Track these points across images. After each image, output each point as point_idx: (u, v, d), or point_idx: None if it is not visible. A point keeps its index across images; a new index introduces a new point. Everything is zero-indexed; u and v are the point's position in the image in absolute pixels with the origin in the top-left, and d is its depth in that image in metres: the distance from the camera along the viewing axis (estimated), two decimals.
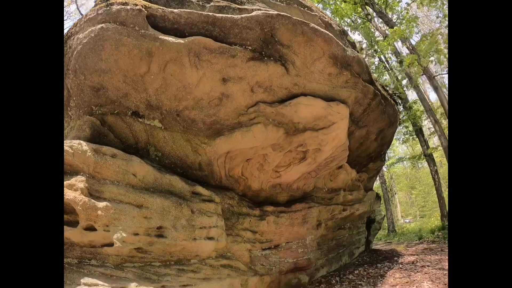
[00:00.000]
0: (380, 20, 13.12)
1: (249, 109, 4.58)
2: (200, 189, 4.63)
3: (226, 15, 4.23)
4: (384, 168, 21.80)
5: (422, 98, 13.80)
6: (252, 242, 5.41)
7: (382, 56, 15.90)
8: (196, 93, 4.40)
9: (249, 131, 4.62)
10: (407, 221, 27.57)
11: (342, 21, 14.25)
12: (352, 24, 14.87)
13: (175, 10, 4.20)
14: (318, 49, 4.50)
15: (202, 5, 4.48)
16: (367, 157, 7.91)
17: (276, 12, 4.28)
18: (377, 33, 14.59)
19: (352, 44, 5.93)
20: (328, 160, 5.99)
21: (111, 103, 4.59)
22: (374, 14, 13.00)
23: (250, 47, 4.30)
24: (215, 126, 4.68)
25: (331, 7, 14.11)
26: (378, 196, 11.07)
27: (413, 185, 30.84)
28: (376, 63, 15.94)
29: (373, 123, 6.61)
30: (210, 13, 4.21)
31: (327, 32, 4.52)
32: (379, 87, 6.44)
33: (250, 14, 4.25)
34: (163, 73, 4.21)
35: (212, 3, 4.48)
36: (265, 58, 4.35)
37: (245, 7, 4.45)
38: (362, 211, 8.54)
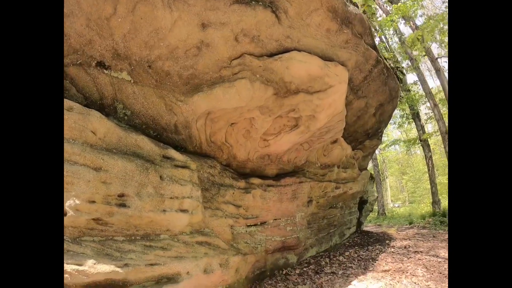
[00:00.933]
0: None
1: (232, 61, 3.75)
2: (173, 152, 3.80)
3: None
4: (376, 151, 21.24)
5: (422, 80, 12.98)
6: (235, 217, 4.71)
7: (383, 37, 14.94)
8: (170, 39, 3.58)
9: (232, 87, 3.77)
10: (397, 205, 27.28)
11: None
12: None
13: None
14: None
15: None
16: (364, 133, 7.15)
17: None
18: (380, 13, 13.56)
19: (355, 4, 5.11)
20: (322, 130, 5.24)
21: (73, 52, 3.73)
22: None
23: None
24: (193, 81, 3.88)
25: None
26: (371, 177, 10.46)
27: (405, 170, 30.32)
28: (377, 43, 14.98)
29: (373, 95, 5.83)
30: None
31: None
32: (382, 57, 5.67)
33: None
34: (131, 16, 3.38)
35: None
36: (253, 2, 3.50)
37: None
38: (355, 191, 7.86)
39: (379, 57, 4.95)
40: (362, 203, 10.02)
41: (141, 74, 3.75)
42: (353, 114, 5.92)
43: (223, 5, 3.48)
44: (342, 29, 4.01)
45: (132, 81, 3.78)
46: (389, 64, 6.63)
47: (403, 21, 12.56)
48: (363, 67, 4.90)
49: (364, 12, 6.02)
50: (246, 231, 4.92)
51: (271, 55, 3.82)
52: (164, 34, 3.55)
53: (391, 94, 6.52)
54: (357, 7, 5.35)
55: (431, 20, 10.41)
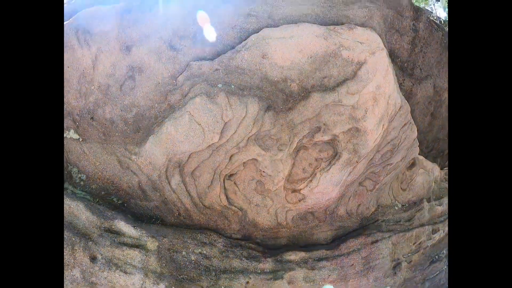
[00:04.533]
0: None
1: (178, 79, 2.05)
2: (121, 225, 2.22)
3: None
4: None
5: None
6: None
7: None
8: (99, 78, 2.15)
9: (183, 115, 1.99)
10: None
11: None
12: None
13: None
14: None
15: None
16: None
17: None
18: None
19: None
20: (384, 150, 2.76)
21: None
22: None
23: None
24: (142, 124, 2.19)
25: None
26: None
27: None
28: None
29: (438, 69, 3.14)
30: None
31: None
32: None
33: None
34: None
35: None
36: None
37: None
38: None
39: (413, 4, 2.71)
40: None
41: (87, 129, 2.35)
42: (422, 113, 3.28)
43: (141, 14, 2.03)
44: None
45: (80, 139, 2.37)
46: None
47: None
48: (400, 26, 2.62)
49: None
50: None
51: (232, 48, 2.04)
52: (91, 76, 2.21)
53: None
54: None
55: None
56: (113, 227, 2.30)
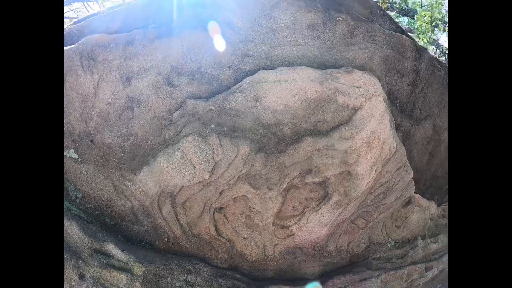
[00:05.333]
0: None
1: (174, 115, 2.02)
2: (111, 248, 2.22)
3: (127, 6, 2.31)
4: None
5: None
6: None
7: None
8: (99, 105, 2.15)
9: (176, 151, 1.95)
10: None
11: None
12: None
13: (80, 23, 2.50)
14: None
15: None
16: (447, 175, 4.01)
17: None
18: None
19: None
20: (376, 192, 2.67)
21: None
22: (398, 15, 9.89)
23: (152, 25, 2.06)
24: (138, 153, 2.16)
25: None
26: None
27: None
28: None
29: (439, 109, 3.04)
30: (110, 11, 2.36)
31: None
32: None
33: None
34: (65, 89, 2.27)
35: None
36: (176, 30, 1.98)
37: None
38: None
39: (415, 44, 2.61)
40: None
41: (86, 150, 2.35)
42: (421, 152, 3.19)
43: (142, 48, 2.01)
44: (333, 17, 2.03)
45: (79, 159, 2.37)
46: (442, 48, 4.05)
47: None
48: (401, 67, 2.54)
49: None
50: None
51: (228, 89, 2.01)
52: (92, 101, 2.21)
53: None
54: None
55: None
56: (103, 248, 2.29)
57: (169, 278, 2.45)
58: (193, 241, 2.53)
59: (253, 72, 1.96)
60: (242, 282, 2.63)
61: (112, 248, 2.26)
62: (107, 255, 2.26)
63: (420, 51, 2.66)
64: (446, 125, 3.21)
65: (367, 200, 2.64)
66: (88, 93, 2.21)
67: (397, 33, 2.47)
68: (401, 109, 2.66)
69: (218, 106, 1.92)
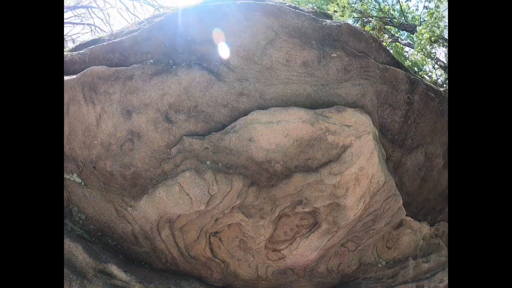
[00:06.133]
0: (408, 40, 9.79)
1: (172, 150, 2.09)
2: (113, 269, 2.32)
3: (126, 36, 2.36)
4: None
5: None
6: None
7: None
8: (101, 136, 2.27)
9: (174, 184, 2.06)
10: None
11: None
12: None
13: (81, 51, 2.56)
14: (262, 28, 2.00)
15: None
16: (440, 197, 4.02)
17: (182, 9, 2.18)
18: (410, 51, 10.89)
19: (328, 17, 3.13)
20: (365, 220, 2.75)
21: None
22: (396, 30, 9.79)
23: (151, 60, 2.14)
24: (139, 182, 2.27)
25: None
26: None
27: None
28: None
29: (431, 137, 3.13)
30: (111, 41, 2.40)
31: (272, 3, 2.11)
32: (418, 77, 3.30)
33: (152, 24, 2.26)
34: (67, 117, 2.35)
35: (126, 30, 2.69)
36: (173, 67, 2.04)
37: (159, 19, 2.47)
38: None
39: (410, 76, 2.63)
40: None
41: (89, 176, 2.50)
42: (412, 178, 3.24)
43: (141, 83, 2.09)
44: (328, 54, 2.09)
45: (82, 184, 2.52)
46: (436, 79, 4.04)
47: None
48: (393, 100, 2.58)
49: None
50: None
51: (223, 127, 2.08)
52: (94, 131, 2.32)
53: None
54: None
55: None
56: (106, 269, 2.42)
57: None
58: (189, 261, 2.63)
59: (247, 111, 2.03)
60: None
61: (114, 269, 2.38)
62: (110, 275, 2.39)
63: (414, 83, 2.69)
64: (438, 151, 3.25)
65: (356, 226, 2.71)
66: (91, 124, 2.31)
67: (391, 67, 2.51)
68: (393, 140, 2.70)
69: (213, 145, 2.00)
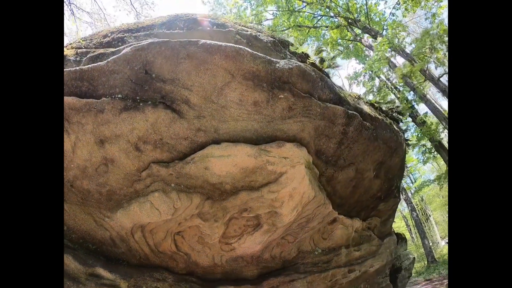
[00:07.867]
0: (371, 39, 10.49)
1: (142, 174, 2.51)
2: (100, 270, 2.76)
3: (93, 65, 2.53)
4: (409, 194, 16.84)
5: (433, 108, 10.07)
6: None
7: (382, 76, 12.86)
8: (77, 160, 2.57)
9: (146, 202, 2.54)
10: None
11: (334, 50, 11.82)
12: (346, 51, 12.19)
13: None
14: (221, 71, 2.39)
15: (79, 60, 2.82)
16: (373, 198, 4.90)
17: (147, 42, 2.39)
18: (371, 53, 11.73)
19: (302, 56, 3.63)
20: (300, 221, 3.45)
21: None
22: (360, 32, 10.41)
23: (119, 95, 2.41)
24: (113, 197, 2.68)
25: (321, 40, 11.89)
26: (401, 238, 7.48)
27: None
28: (377, 84, 12.72)
29: (363, 157, 3.93)
30: (78, 68, 2.54)
31: (231, 45, 2.45)
32: (362, 105, 3.90)
33: (117, 55, 2.45)
34: None
35: (88, 55, 2.80)
36: (141, 104, 2.37)
37: (121, 47, 2.66)
38: (379, 266, 5.18)
39: (349, 111, 3.18)
40: (396, 272, 6.91)
41: (67, 193, 2.80)
42: (344, 186, 4.00)
43: (112, 117, 2.40)
44: (276, 95, 2.56)
45: None
46: (380, 109, 4.68)
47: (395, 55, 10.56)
48: (330, 131, 3.19)
49: (321, 60, 4.36)
50: None
51: (185, 156, 2.50)
52: (70, 157, 2.59)
53: (389, 147, 4.49)
54: (308, 56, 3.82)
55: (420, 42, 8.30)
56: (95, 272, 2.87)
57: (144, 287, 3.06)
58: (159, 256, 3.16)
59: (204, 144, 2.48)
60: (197, 284, 3.35)
61: (101, 271, 2.84)
62: (99, 276, 2.84)
63: (351, 117, 3.23)
64: (369, 167, 3.97)
65: (292, 226, 3.40)
66: (67, 150, 2.57)
67: (331, 105, 3.00)
68: (327, 161, 3.33)
69: (176, 172, 2.44)
